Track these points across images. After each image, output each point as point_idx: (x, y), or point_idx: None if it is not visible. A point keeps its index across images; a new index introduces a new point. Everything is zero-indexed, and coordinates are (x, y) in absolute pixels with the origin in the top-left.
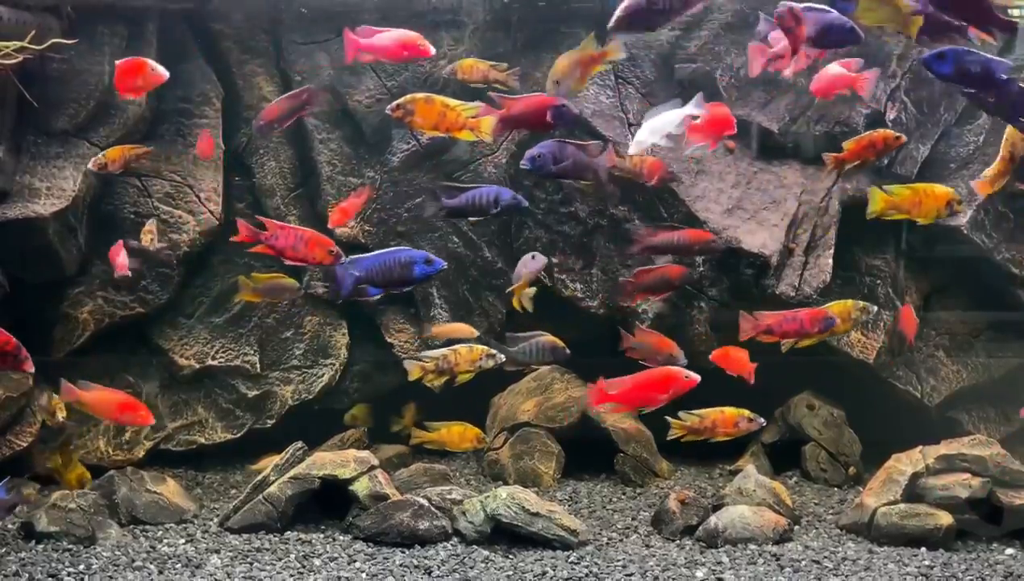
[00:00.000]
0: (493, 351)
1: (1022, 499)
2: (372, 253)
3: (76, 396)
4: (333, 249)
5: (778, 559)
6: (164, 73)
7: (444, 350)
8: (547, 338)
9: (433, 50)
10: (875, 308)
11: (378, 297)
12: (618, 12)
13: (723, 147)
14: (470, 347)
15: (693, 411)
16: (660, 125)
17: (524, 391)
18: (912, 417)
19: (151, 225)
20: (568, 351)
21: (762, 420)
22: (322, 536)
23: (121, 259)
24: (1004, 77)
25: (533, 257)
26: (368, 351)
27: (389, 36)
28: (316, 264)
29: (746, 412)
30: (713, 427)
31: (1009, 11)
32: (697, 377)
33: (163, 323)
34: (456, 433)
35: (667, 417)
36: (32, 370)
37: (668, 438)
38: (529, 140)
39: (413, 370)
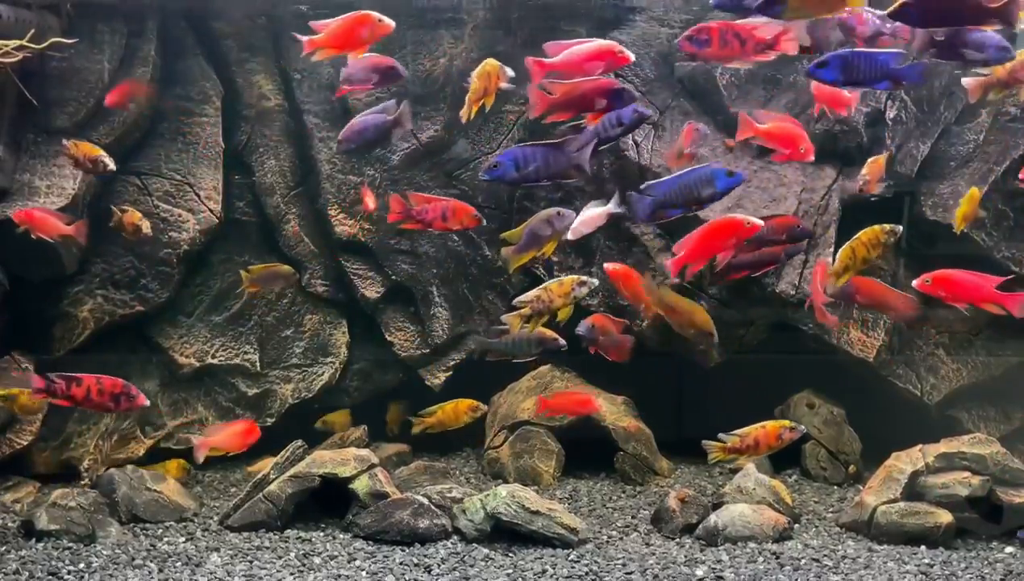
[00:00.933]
0: (584, 279)
1: (1022, 497)
2: (668, 177)
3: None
4: (476, 214)
5: (778, 557)
6: (391, 24)
7: (535, 291)
8: (539, 331)
9: (632, 56)
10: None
11: (676, 217)
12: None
13: (722, 145)
14: (559, 281)
15: (733, 431)
16: (592, 218)
17: (524, 390)
18: (912, 415)
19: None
20: (561, 342)
21: (802, 428)
22: (322, 534)
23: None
24: (901, 66)
25: (559, 214)
26: (368, 350)
27: (580, 50)
28: (466, 229)
29: (786, 423)
30: (756, 445)
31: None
32: (759, 222)
33: (163, 321)
34: (450, 411)
35: (704, 442)
36: (147, 403)
37: (709, 461)
38: (530, 139)
39: (512, 321)
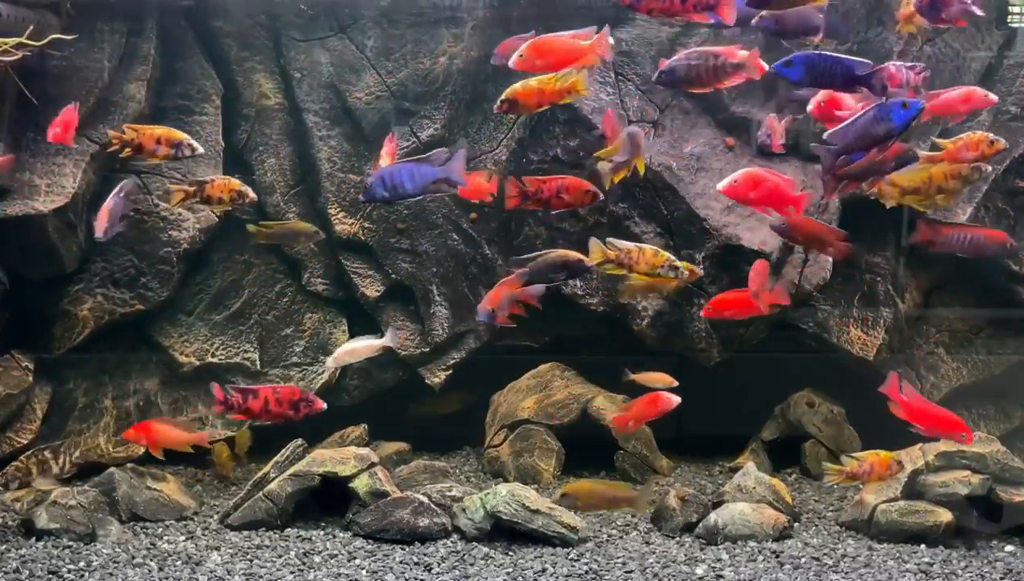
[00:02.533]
0: (677, 264)
1: (1022, 496)
2: (845, 122)
3: None
4: (591, 189)
5: (778, 556)
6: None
7: (631, 245)
8: (558, 253)
9: (995, 98)
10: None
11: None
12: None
13: (722, 144)
14: (656, 251)
15: (852, 455)
16: (360, 348)
17: (524, 388)
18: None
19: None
20: (587, 263)
21: (913, 466)
22: (322, 533)
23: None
24: (863, 72)
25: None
26: None
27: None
28: (582, 206)
29: (897, 454)
30: (871, 471)
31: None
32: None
33: (163, 320)
34: None
35: (826, 464)
36: (324, 406)
37: (826, 482)
38: (530, 138)
39: (595, 251)
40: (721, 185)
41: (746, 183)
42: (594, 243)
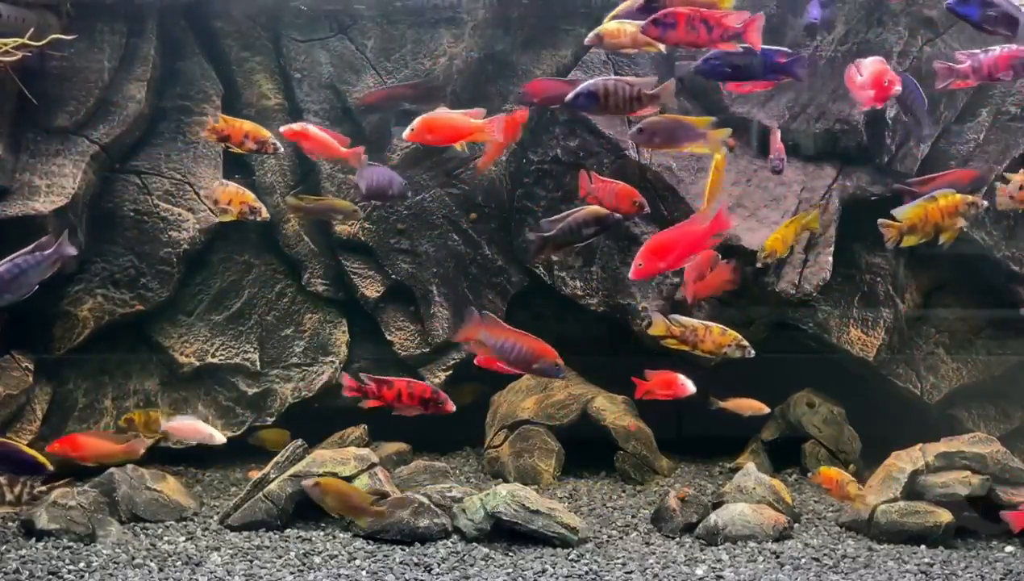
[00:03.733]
0: (744, 343)
1: (1022, 497)
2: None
3: None
4: (637, 199)
5: (778, 556)
6: None
7: (696, 322)
8: (588, 209)
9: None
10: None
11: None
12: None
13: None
14: (723, 330)
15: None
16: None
17: (524, 389)
18: (912, 415)
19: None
20: (617, 216)
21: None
22: (322, 534)
23: None
24: (785, 60)
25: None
26: (368, 349)
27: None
28: (624, 213)
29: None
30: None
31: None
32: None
33: (163, 321)
34: None
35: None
36: (454, 409)
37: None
38: (530, 139)
39: (658, 326)
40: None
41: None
42: (658, 318)
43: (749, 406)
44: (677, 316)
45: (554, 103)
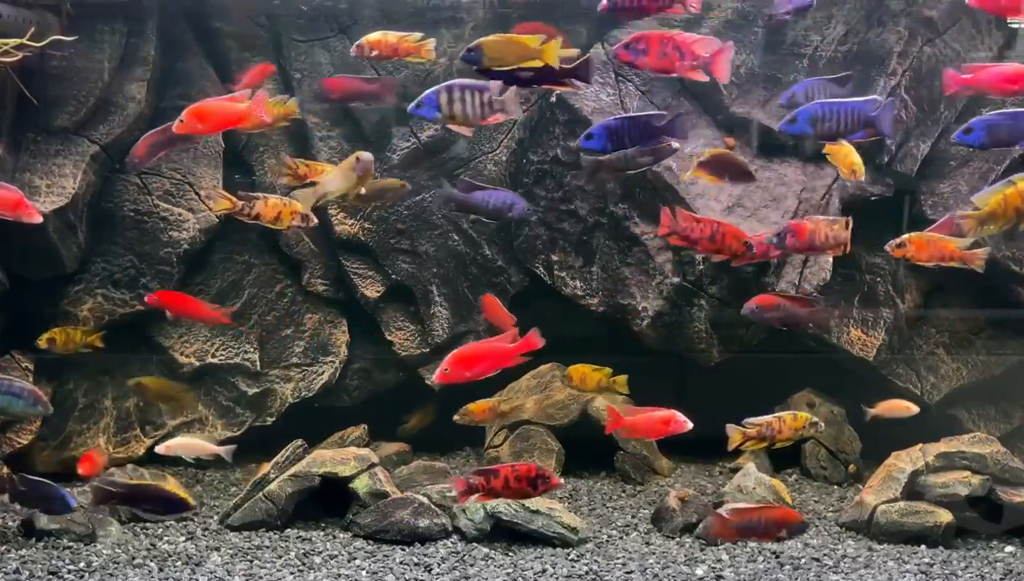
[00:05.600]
0: (815, 420)
1: (1022, 497)
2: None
3: None
4: (746, 240)
5: (778, 557)
6: None
7: (770, 417)
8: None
9: None
10: None
11: None
12: None
13: (723, 144)
14: (794, 414)
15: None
16: (197, 446)
17: (524, 389)
18: (912, 415)
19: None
20: (675, 145)
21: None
22: (322, 534)
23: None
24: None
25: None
26: (368, 349)
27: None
28: (733, 254)
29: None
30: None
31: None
32: None
33: (163, 321)
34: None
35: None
36: (560, 483)
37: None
38: (530, 139)
39: (734, 436)
40: None
41: None
42: (732, 430)
43: (900, 407)
44: (751, 419)
45: (352, 100)
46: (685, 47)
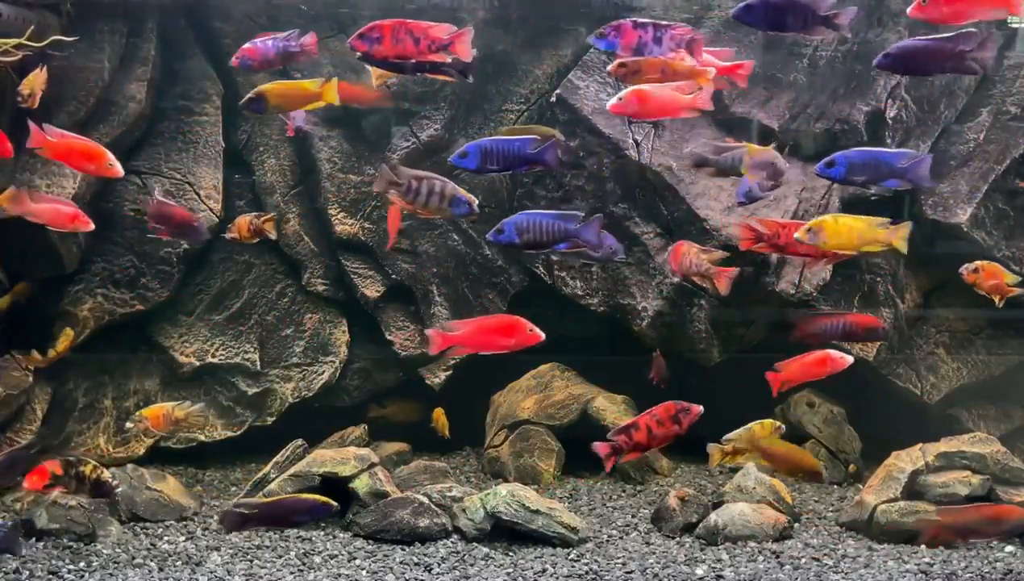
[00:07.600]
0: (779, 424)
1: (1022, 496)
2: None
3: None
4: None
5: (778, 556)
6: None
7: (741, 430)
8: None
9: None
10: None
11: None
12: None
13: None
14: (761, 424)
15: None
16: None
17: (524, 389)
18: (912, 414)
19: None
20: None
21: None
22: (322, 533)
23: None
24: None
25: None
26: (368, 349)
27: None
28: (820, 256)
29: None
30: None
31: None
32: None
33: (163, 320)
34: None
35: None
36: (701, 409)
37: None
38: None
39: (714, 454)
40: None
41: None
42: (712, 448)
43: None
44: (729, 435)
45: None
46: (420, 31)
